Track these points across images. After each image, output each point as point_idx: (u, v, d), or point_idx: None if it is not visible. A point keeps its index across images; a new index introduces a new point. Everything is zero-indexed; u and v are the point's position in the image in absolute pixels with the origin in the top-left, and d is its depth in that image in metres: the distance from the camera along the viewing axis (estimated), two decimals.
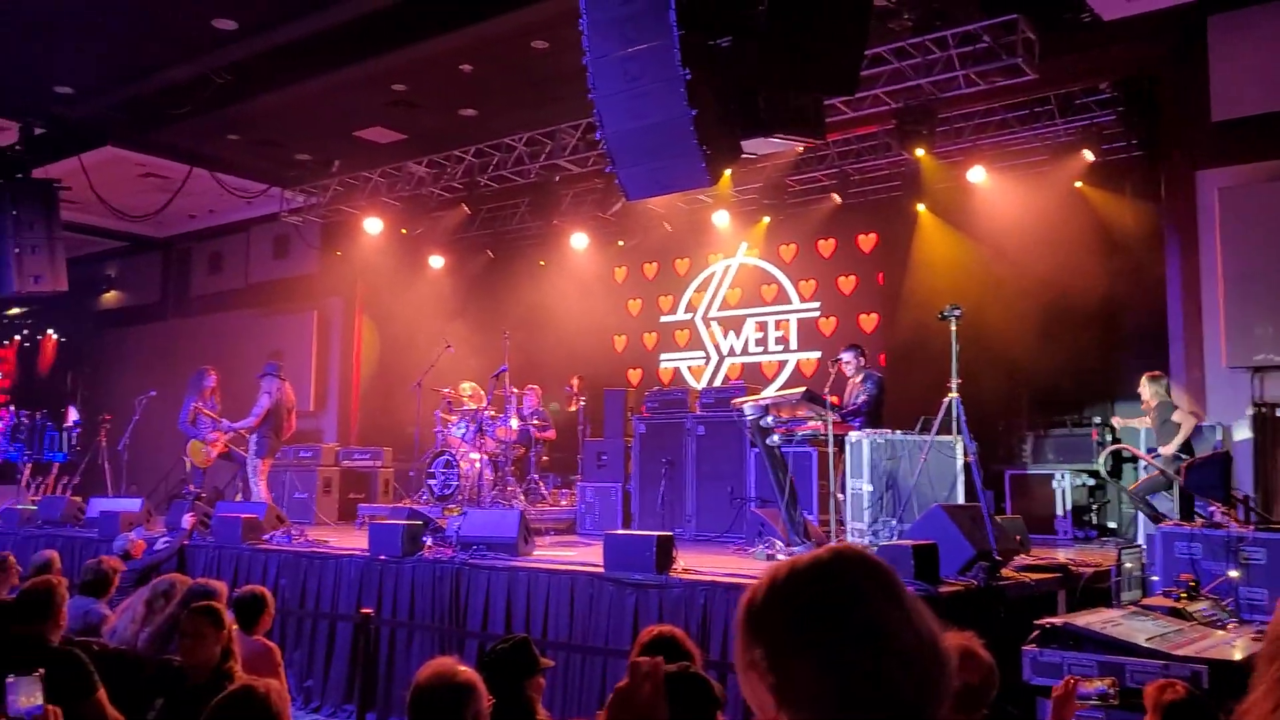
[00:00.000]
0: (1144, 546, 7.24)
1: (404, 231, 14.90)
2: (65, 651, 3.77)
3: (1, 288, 12.77)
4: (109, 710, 3.70)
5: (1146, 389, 9.18)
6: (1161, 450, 8.85)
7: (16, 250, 12.58)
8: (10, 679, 2.48)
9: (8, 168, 12.99)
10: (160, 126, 12.90)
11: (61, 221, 13.22)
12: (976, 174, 11.61)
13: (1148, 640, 5.00)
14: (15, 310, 20.11)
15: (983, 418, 11.95)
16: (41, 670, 2.52)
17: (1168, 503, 8.73)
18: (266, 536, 9.37)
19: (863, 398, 9.19)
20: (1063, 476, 10.49)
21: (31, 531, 10.98)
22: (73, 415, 16.00)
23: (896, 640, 1.44)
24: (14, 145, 13.13)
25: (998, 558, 6.60)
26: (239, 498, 11.45)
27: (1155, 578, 6.70)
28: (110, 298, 19.89)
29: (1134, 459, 9.68)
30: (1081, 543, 9.98)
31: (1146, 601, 6.14)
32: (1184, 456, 8.56)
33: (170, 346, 18.05)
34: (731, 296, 14.70)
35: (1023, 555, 7.45)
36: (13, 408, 18.74)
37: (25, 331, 20.59)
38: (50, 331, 20.25)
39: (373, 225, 14.58)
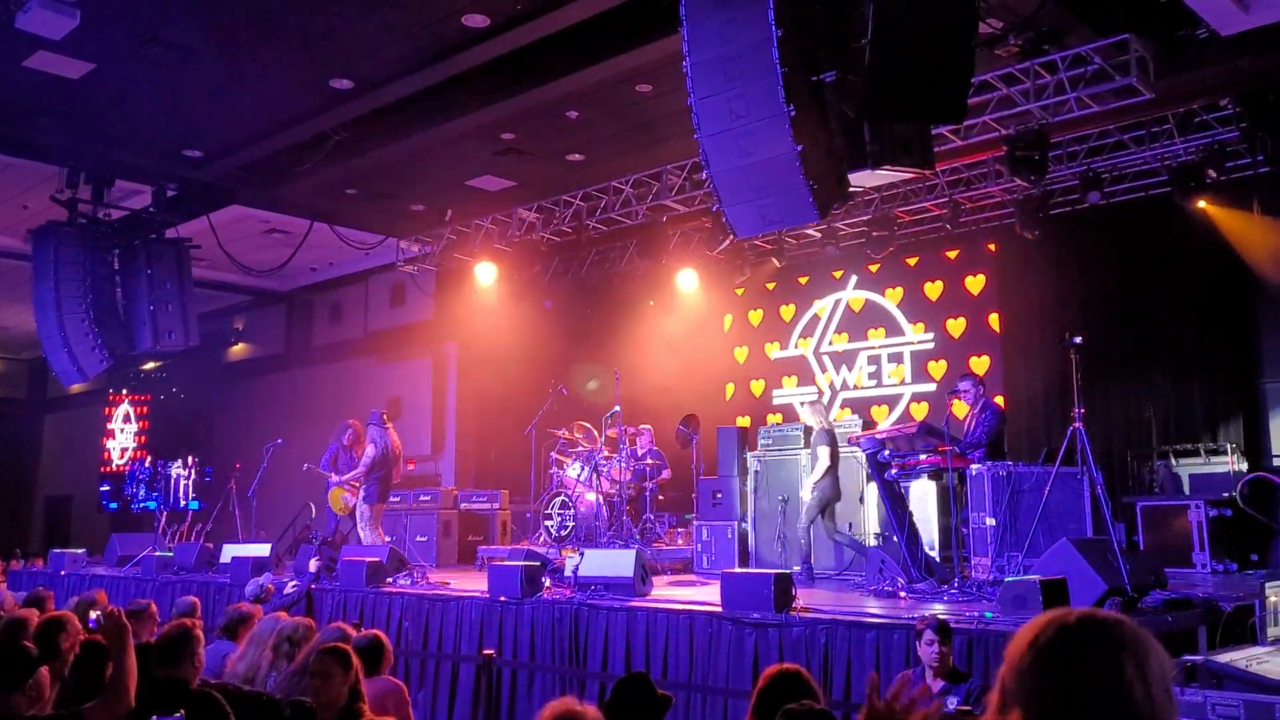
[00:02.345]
0: None
1: (515, 277, 15.17)
2: (203, 694, 3.89)
3: (138, 344, 13.36)
4: None
5: (808, 414, 10.04)
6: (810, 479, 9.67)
7: (151, 308, 13.16)
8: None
9: (142, 229, 13.65)
10: (282, 184, 13.42)
11: (192, 278, 13.80)
12: (1093, 197, 11.31)
13: None
14: (150, 365, 21.04)
15: (1111, 448, 11.63)
16: (182, 712, 2.61)
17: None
18: (390, 579, 9.56)
19: (980, 429, 8.99)
20: (1198, 507, 10.04)
21: (168, 578, 11.40)
22: (187, 465, 16.63)
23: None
24: (147, 208, 13.79)
25: (1131, 593, 6.35)
26: None
27: None
28: (238, 350, 20.67)
29: (1276, 487, 9.24)
30: (1221, 576, 9.52)
31: None
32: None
33: (294, 396, 18.67)
34: (842, 331, 14.56)
35: (1158, 590, 7.15)
36: (149, 458, 19.58)
37: (160, 385, 21.51)
38: (183, 384, 21.10)
39: (485, 271, 14.88)
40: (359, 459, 11.49)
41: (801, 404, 10.56)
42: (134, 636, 6.20)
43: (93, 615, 4.65)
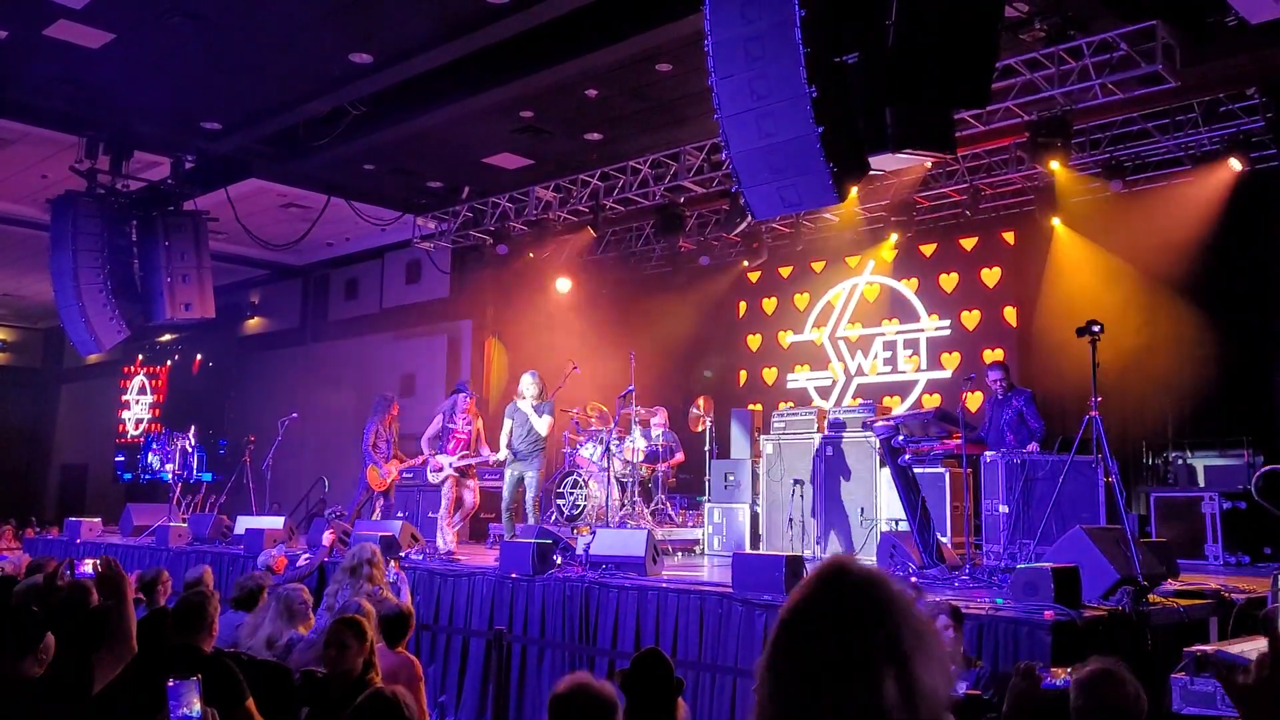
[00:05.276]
0: None
1: (531, 255, 15.16)
2: (217, 660, 3.93)
3: (155, 315, 13.40)
4: (257, 718, 3.84)
5: (527, 383, 10.90)
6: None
7: (169, 279, 13.19)
8: (171, 683, 2.59)
9: (160, 200, 13.68)
10: (300, 158, 13.43)
11: (210, 251, 13.83)
12: (1115, 185, 11.21)
13: None
14: (167, 336, 21.15)
15: (1126, 438, 11.58)
16: (199, 675, 2.63)
17: None
18: (402, 554, 9.59)
19: (1036, 420, 9.14)
20: (1212, 499, 9.99)
21: (182, 548, 11.47)
22: (191, 437, 16.64)
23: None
24: (165, 179, 13.82)
25: (1143, 582, 6.33)
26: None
27: None
28: (254, 324, 20.74)
29: None
30: (1234, 568, 9.49)
31: None
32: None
33: (309, 370, 18.73)
34: (859, 316, 14.50)
35: (1170, 581, 7.13)
36: (164, 429, 19.69)
37: (176, 357, 21.63)
38: (199, 356, 21.21)
39: (501, 249, 14.85)
40: (394, 436, 11.53)
41: (530, 375, 11.15)
42: (149, 605, 6.25)
43: (84, 567, 4.62)
